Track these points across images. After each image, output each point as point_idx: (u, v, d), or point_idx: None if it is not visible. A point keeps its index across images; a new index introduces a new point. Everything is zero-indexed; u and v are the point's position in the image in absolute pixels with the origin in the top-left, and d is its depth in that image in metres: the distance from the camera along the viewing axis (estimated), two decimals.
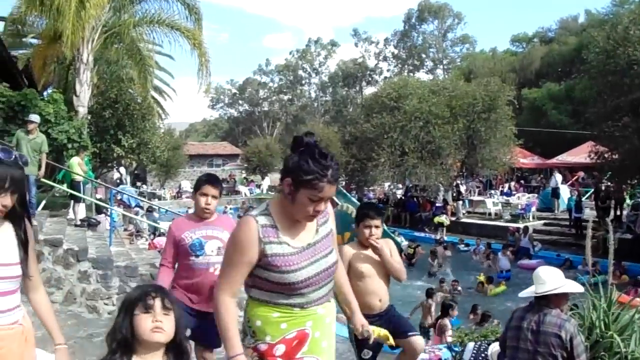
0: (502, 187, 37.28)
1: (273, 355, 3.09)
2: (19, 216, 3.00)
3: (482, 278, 18.65)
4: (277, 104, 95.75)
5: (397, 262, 5.11)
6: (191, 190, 6.08)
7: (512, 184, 37.95)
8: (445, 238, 26.25)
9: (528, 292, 5.01)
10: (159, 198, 43.24)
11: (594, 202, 25.47)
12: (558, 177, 29.92)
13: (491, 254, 22.05)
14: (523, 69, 54.91)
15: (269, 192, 49.76)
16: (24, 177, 2.96)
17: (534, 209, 28.26)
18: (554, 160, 36.65)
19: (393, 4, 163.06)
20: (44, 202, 14.99)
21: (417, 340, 5.08)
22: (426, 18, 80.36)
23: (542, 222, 27.39)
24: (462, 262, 22.92)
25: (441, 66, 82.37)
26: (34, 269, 3.12)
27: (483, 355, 6.50)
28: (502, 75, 44.34)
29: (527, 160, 38.22)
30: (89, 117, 20.64)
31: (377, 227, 5.08)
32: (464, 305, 13.61)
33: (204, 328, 4.73)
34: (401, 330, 5.04)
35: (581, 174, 35.50)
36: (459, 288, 17.53)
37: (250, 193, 49.11)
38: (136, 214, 21.89)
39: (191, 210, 5.55)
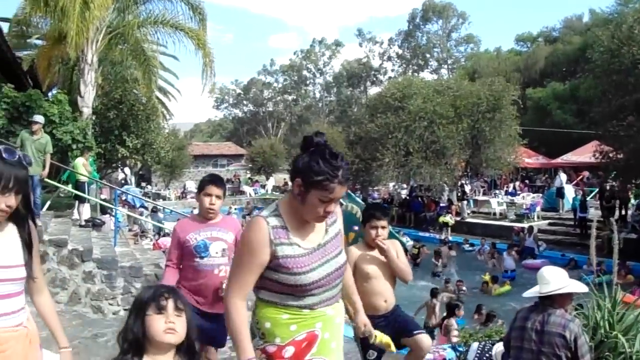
0: (507, 187, 37.22)
1: (282, 356, 3.06)
2: (22, 218, 2.98)
3: (487, 278, 18.63)
4: (282, 104, 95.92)
5: (403, 263, 5.10)
6: (196, 190, 6.06)
7: (517, 183, 37.88)
8: (450, 238, 26.22)
9: (532, 292, 5.01)
10: (164, 198, 43.26)
11: (598, 202, 25.40)
12: (563, 176, 29.88)
13: (496, 253, 22.04)
14: (527, 68, 54.86)
15: (274, 193, 49.83)
16: (28, 177, 2.93)
17: (538, 208, 28.23)
18: (558, 160, 36.60)
19: (397, 4, 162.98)
20: (48, 202, 15.04)
21: (423, 338, 5.05)
22: (430, 18, 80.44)
23: (547, 222, 27.32)
24: (466, 262, 22.89)
25: (445, 66, 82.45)
26: (38, 271, 3.10)
27: (487, 355, 6.49)
28: (507, 75, 44.38)
29: (531, 160, 38.16)
30: (94, 118, 20.65)
31: (383, 227, 5.08)
32: (468, 305, 13.57)
33: (208, 328, 4.72)
34: (407, 329, 5.05)
35: (586, 173, 35.47)
36: (464, 288, 17.51)
37: (255, 193, 49.11)
38: (141, 214, 21.92)
39: (196, 211, 5.53)
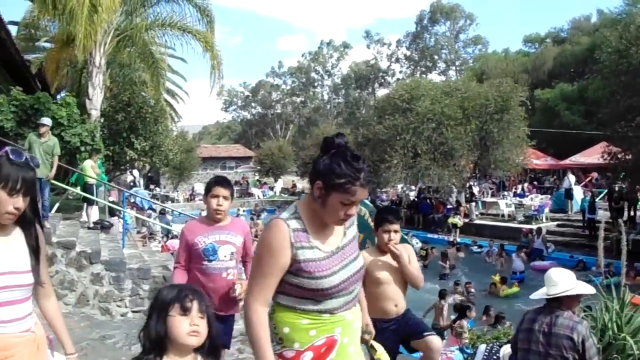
0: (515, 189, 37.13)
1: None
2: (29, 222, 2.97)
3: (497, 278, 18.59)
4: (290, 106, 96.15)
5: (415, 268, 5.06)
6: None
7: (525, 185, 37.78)
8: (458, 239, 26.18)
9: (539, 294, 4.99)
10: (172, 200, 43.33)
11: (607, 203, 25.30)
12: (571, 178, 29.81)
13: (504, 255, 22.01)
14: (535, 69, 54.77)
15: (282, 195, 49.91)
16: (36, 179, 2.92)
17: (547, 210, 28.15)
18: (567, 161, 36.53)
19: (405, 6, 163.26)
20: (57, 204, 15.08)
21: (434, 339, 5.02)
22: (438, 19, 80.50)
23: (556, 223, 27.24)
24: (475, 263, 22.84)
25: (453, 67, 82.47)
26: (45, 275, 3.09)
27: (495, 357, 6.48)
28: (515, 76, 44.27)
29: (540, 161, 38.06)
30: (102, 120, 20.69)
31: (396, 232, 5.05)
32: (476, 307, 13.55)
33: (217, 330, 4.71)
34: (417, 331, 5.04)
35: (594, 174, 35.35)
36: (472, 290, 17.47)
37: (263, 195, 49.17)
38: (149, 216, 21.94)
39: (204, 213, 5.52)
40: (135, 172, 33.40)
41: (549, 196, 32.37)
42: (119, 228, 15.18)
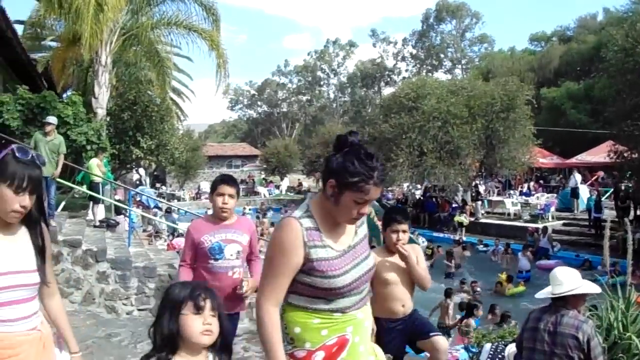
0: (521, 187, 37.09)
1: None
2: (35, 221, 2.97)
3: (503, 277, 18.58)
4: (296, 105, 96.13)
5: (423, 269, 5.02)
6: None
7: (531, 184, 37.73)
8: (464, 238, 26.19)
9: (545, 293, 4.97)
10: (178, 199, 43.35)
11: (613, 202, 25.26)
12: (577, 176, 29.74)
13: (510, 253, 22.01)
14: (542, 68, 54.63)
15: (288, 193, 49.92)
16: (42, 177, 2.91)
17: (553, 209, 28.12)
18: (573, 160, 36.45)
19: (411, 4, 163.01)
20: (63, 203, 15.11)
21: (440, 340, 5.00)
22: (444, 18, 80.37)
23: (562, 222, 27.20)
24: (480, 262, 22.83)
25: (459, 66, 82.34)
26: (50, 275, 3.09)
27: (500, 356, 6.47)
28: (521, 75, 44.19)
29: (546, 160, 38.01)
30: (108, 119, 20.73)
31: (404, 232, 5.01)
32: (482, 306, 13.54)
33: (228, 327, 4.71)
34: (424, 332, 5.02)
35: (601, 173, 35.30)
36: (478, 289, 17.47)
37: (269, 194, 49.18)
38: (155, 215, 21.98)
39: (210, 211, 5.50)
40: (142, 171, 33.46)
41: (555, 195, 32.28)
42: (125, 226, 15.23)
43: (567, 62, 53.38)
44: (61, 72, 21.96)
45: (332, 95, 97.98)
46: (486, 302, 13.81)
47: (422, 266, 5.03)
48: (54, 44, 25.87)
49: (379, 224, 6.75)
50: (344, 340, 3.00)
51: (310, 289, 2.94)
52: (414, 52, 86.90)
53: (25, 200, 2.76)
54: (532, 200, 31.08)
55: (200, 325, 2.50)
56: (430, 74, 71.54)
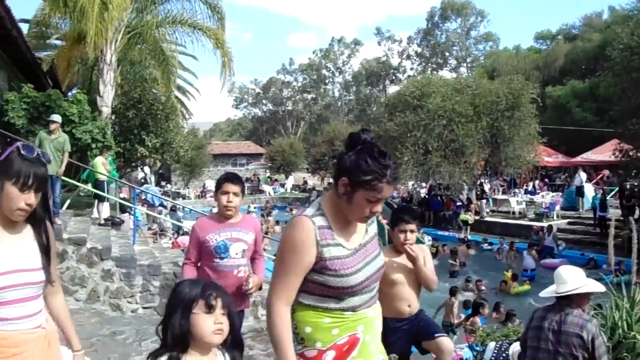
0: (526, 186, 37.05)
1: None
2: (39, 219, 2.95)
3: (508, 274, 18.57)
4: (301, 103, 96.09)
5: (430, 270, 5.00)
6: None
7: (536, 182, 37.71)
8: (469, 237, 26.18)
9: (549, 292, 4.97)
10: (183, 197, 43.44)
11: (618, 201, 25.20)
12: (582, 175, 29.68)
13: (515, 252, 22.00)
14: (547, 66, 54.55)
15: (293, 192, 49.94)
16: (47, 175, 2.89)
17: (558, 207, 28.08)
18: (578, 159, 36.38)
19: (415, 2, 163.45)
20: (68, 201, 15.13)
21: (444, 341, 5.01)
22: (449, 16, 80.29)
23: (567, 221, 27.16)
24: (485, 261, 22.84)
25: (465, 64, 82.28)
26: (54, 274, 3.08)
27: (504, 355, 6.46)
28: (526, 73, 44.14)
29: (551, 158, 37.97)
30: (113, 117, 20.76)
31: (412, 231, 4.98)
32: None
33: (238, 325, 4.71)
34: (429, 332, 5.02)
35: (606, 172, 35.22)
36: (483, 287, 17.47)
37: (274, 192, 49.24)
38: (160, 213, 22.01)
39: (215, 210, 5.48)
40: (146, 169, 33.55)
41: (560, 194, 32.21)
42: (130, 225, 15.24)
43: (572, 60, 53.29)
44: (66, 70, 21.98)
45: (337, 94, 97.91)
46: (491, 301, 13.80)
47: (429, 267, 5.01)
48: (59, 42, 25.90)
49: (385, 222, 6.73)
50: (355, 339, 2.98)
51: (322, 287, 2.92)
52: (419, 50, 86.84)
53: (31, 199, 2.74)
54: (537, 198, 31.07)
55: (212, 324, 2.47)
56: (435, 72, 71.49)
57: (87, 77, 26.13)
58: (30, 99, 15.73)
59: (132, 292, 10.16)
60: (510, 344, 6.51)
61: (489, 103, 29.44)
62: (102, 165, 14.94)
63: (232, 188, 4.92)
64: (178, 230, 20.33)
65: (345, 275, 2.88)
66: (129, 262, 10.26)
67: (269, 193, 48.24)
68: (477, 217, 28.82)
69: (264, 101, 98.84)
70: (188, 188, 49.69)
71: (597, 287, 4.82)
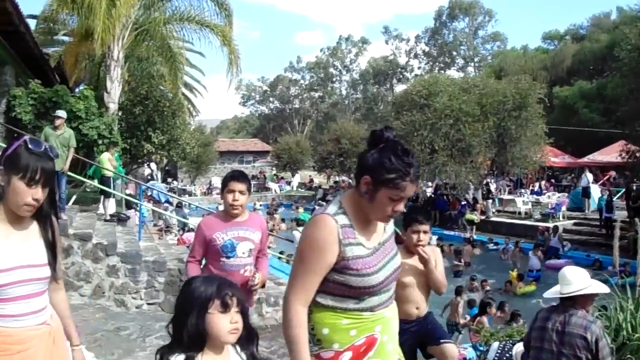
0: (533, 186, 37.01)
1: None
2: (45, 215, 2.93)
3: (514, 274, 18.54)
4: (308, 101, 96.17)
5: (440, 273, 4.93)
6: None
7: (543, 182, 37.70)
8: (475, 236, 26.15)
9: (553, 293, 4.95)
10: (190, 194, 43.46)
11: (625, 202, 25.13)
12: (589, 176, 29.60)
13: (520, 252, 21.98)
14: (554, 66, 54.50)
15: (299, 189, 50.00)
16: (55, 170, 2.88)
17: (564, 208, 28.00)
18: (585, 159, 36.34)
19: (423, 1, 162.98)
20: (74, 197, 15.15)
21: (449, 347, 4.98)
22: (457, 15, 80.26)
23: (572, 221, 27.09)
24: (490, 261, 22.80)
25: (472, 64, 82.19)
26: (59, 270, 3.06)
27: (507, 355, 6.45)
28: (534, 73, 44.10)
29: (557, 159, 37.92)
30: (120, 114, 20.79)
31: (425, 232, 4.90)
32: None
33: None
34: (435, 337, 4.99)
35: (612, 173, 35.19)
36: (489, 287, 17.45)
37: (281, 190, 49.32)
38: (165, 209, 22.03)
39: (221, 207, 5.45)
40: (153, 166, 33.53)
41: (566, 194, 32.18)
42: (136, 221, 15.25)
43: (580, 60, 53.22)
44: (74, 66, 22.00)
45: (344, 92, 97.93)
46: (496, 301, 13.79)
47: (439, 270, 4.94)
48: (66, 38, 25.94)
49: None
50: (373, 339, 2.96)
51: (343, 287, 2.88)
52: (427, 49, 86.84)
53: (38, 193, 2.72)
54: (543, 199, 31.04)
55: (228, 324, 2.44)
56: (442, 72, 71.48)
57: (94, 73, 26.17)
58: (37, 94, 15.78)
59: (137, 288, 10.17)
60: (513, 344, 6.50)
61: (496, 103, 29.40)
62: (108, 161, 14.94)
63: (238, 186, 4.88)
64: (183, 227, 20.33)
65: (366, 275, 2.85)
66: (134, 258, 10.26)
67: (275, 191, 48.35)
68: (483, 217, 28.79)
69: (271, 99, 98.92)
70: (194, 185, 49.75)
71: (601, 288, 4.80)
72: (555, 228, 24.00)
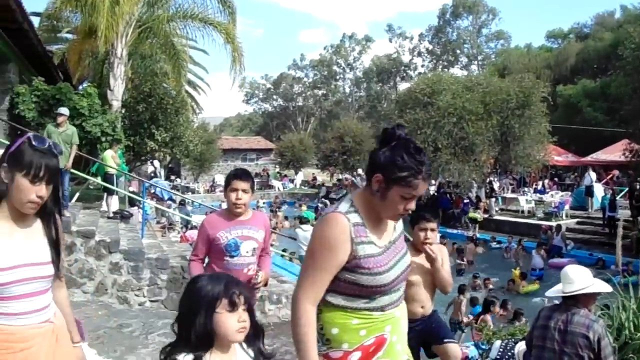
0: (536, 185, 36.93)
1: None
2: (49, 212, 2.91)
3: (516, 273, 18.53)
4: (312, 99, 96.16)
5: (446, 272, 4.93)
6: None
7: (546, 181, 37.59)
8: (478, 235, 26.14)
9: (555, 292, 4.95)
10: (193, 192, 43.50)
11: (628, 201, 25.11)
12: (592, 175, 29.60)
13: (523, 251, 21.97)
14: (558, 65, 54.36)
15: (302, 187, 50.01)
16: (59, 166, 2.86)
17: (567, 207, 27.98)
18: (588, 158, 36.29)
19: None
20: (77, 194, 15.16)
21: (452, 347, 5.00)
22: (461, 13, 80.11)
23: (575, 220, 27.09)
24: (493, 259, 22.79)
25: (476, 62, 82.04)
26: (62, 267, 3.04)
27: (509, 354, 6.46)
28: (537, 72, 44.08)
29: (561, 157, 37.84)
30: (123, 111, 20.80)
31: (432, 230, 4.90)
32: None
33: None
34: (439, 336, 4.99)
35: (616, 172, 35.10)
36: (491, 286, 17.44)
37: (284, 187, 49.33)
38: (168, 207, 22.05)
39: (224, 205, 5.43)
40: (156, 163, 33.59)
41: (570, 193, 32.11)
42: (139, 218, 15.27)
43: (583, 59, 53.12)
44: (77, 64, 21.98)
45: (347, 90, 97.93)
46: (499, 299, 13.79)
47: (446, 269, 4.94)
48: (70, 36, 25.92)
49: None
50: (382, 339, 2.94)
51: (354, 287, 2.86)
52: (430, 47, 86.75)
53: (42, 191, 2.71)
54: (546, 198, 30.95)
55: (236, 323, 2.42)
56: (446, 70, 71.29)
57: (97, 70, 26.15)
58: (41, 92, 15.80)
59: (139, 285, 10.18)
60: (516, 343, 6.50)
61: (500, 101, 29.40)
62: (111, 158, 14.95)
63: (241, 185, 4.83)
64: (187, 224, 20.35)
65: (378, 274, 2.84)
66: (137, 256, 10.27)
67: (278, 188, 48.36)
68: (486, 216, 28.80)
69: (274, 97, 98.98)
70: (197, 182, 49.81)
71: (603, 287, 4.80)
72: (558, 227, 24.00)
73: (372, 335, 2.90)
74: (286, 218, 31.10)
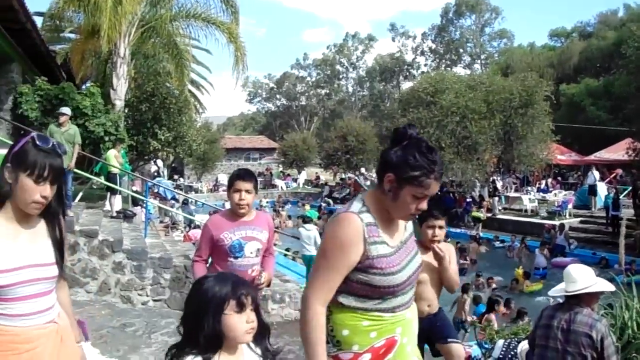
0: (539, 184, 36.87)
1: None
2: (53, 214, 2.90)
3: (520, 272, 18.51)
4: (315, 99, 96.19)
5: (454, 271, 4.94)
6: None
7: (549, 180, 37.55)
8: (481, 234, 26.11)
9: (558, 291, 4.95)
10: (196, 191, 43.51)
11: (631, 200, 25.05)
12: (595, 174, 29.51)
13: (526, 250, 21.95)
14: (561, 64, 54.34)
15: (305, 186, 50.00)
16: (63, 167, 2.85)
17: (570, 206, 27.94)
18: (591, 157, 36.23)
19: None
20: (81, 193, 15.18)
21: (456, 347, 5.01)
22: (464, 12, 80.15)
23: (579, 219, 27.03)
24: (496, 258, 22.77)
25: (479, 61, 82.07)
26: (65, 268, 3.03)
27: (512, 353, 6.45)
28: (540, 71, 44.05)
29: (564, 156, 37.80)
30: (126, 111, 20.80)
31: (441, 227, 4.90)
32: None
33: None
34: (443, 335, 5.00)
35: (619, 171, 35.05)
36: (495, 285, 17.43)
37: (287, 187, 49.31)
38: (171, 206, 22.07)
39: (228, 205, 5.41)
40: (159, 162, 33.57)
41: (573, 192, 32.07)
42: (142, 217, 15.30)
43: (587, 58, 53.10)
44: (80, 63, 22.00)
45: (350, 89, 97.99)
46: (503, 298, 13.78)
47: (453, 268, 4.95)
48: (73, 35, 25.92)
49: None
50: (393, 341, 2.93)
51: (366, 287, 2.84)
52: (433, 46, 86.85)
53: (46, 191, 2.70)
54: (549, 197, 30.92)
55: (244, 324, 2.41)
56: (449, 69, 71.35)
57: (100, 70, 26.17)
58: (44, 91, 15.81)
59: (142, 284, 10.19)
60: (519, 342, 6.49)
61: (503, 100, 29.38)
62: (114, 158, 14.99)
63: (244, 185, 4.81)
64: (190, 224, 20.38)
65: (390, 274, 2.82)
66: (140, 255, 10.28)
67: (282, 188, 48.35)
68: (489, 215, 28.76)
69: (277, 96, 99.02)
70: (201, 182, 49.81)
71: (606, 286, 4.79)
72: (562, 226, 23.93)
73: (382, 337, 2.89)
74: (289, 217, 31.10)
